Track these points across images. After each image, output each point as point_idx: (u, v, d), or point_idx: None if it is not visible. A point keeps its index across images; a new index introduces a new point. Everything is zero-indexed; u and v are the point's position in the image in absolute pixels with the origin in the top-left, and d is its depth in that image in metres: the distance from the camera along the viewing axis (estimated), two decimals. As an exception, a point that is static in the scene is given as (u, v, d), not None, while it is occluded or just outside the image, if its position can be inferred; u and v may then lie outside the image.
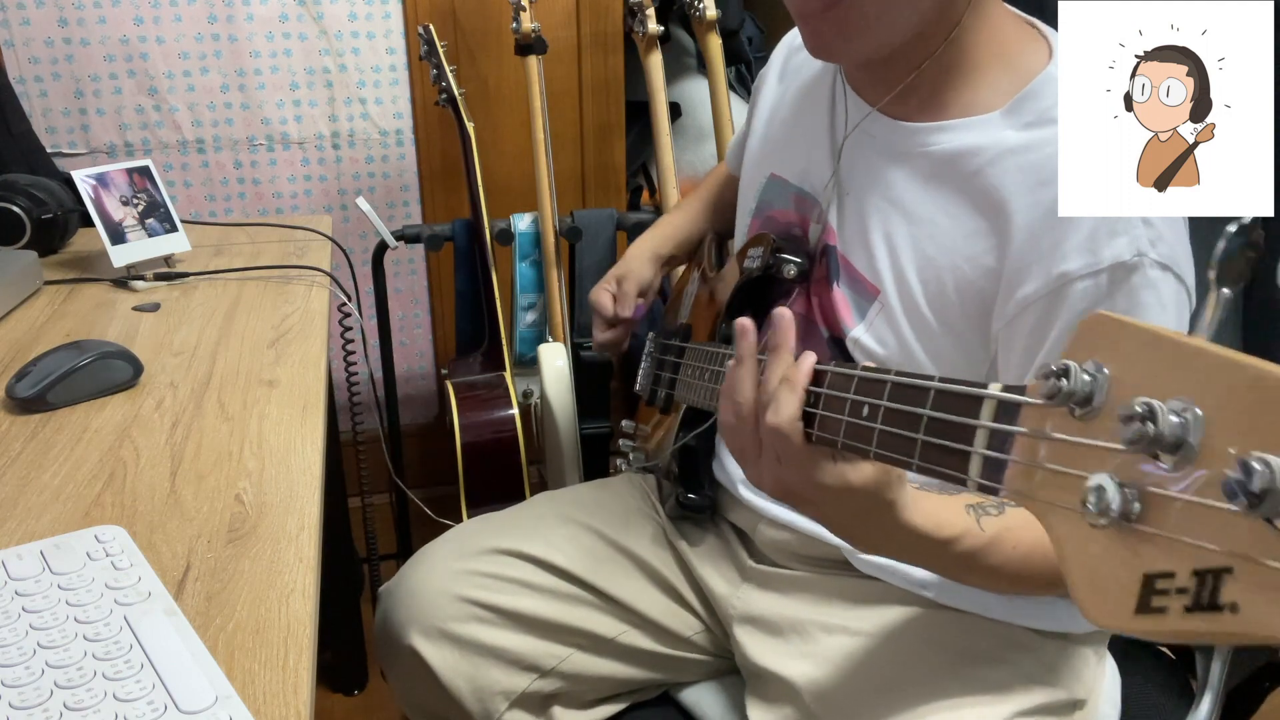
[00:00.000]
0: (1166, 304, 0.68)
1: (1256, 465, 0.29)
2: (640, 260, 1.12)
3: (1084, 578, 0.36)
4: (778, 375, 0.60)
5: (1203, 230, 0.70)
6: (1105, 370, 0.36)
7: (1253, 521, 0.29)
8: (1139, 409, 0.33)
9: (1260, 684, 0.89)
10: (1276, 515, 0.29)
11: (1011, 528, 0.66)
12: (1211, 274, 0.38)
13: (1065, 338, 0.67)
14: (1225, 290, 0.38)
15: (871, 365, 0.56)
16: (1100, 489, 0.35)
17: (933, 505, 0.64)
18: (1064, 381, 0.37)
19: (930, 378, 0.50)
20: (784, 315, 0.61)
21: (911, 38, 0.74)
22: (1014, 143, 0.72)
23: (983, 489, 0.45)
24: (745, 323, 0.64)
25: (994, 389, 0.45)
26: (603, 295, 1.11)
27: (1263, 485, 0.29)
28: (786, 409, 0.59)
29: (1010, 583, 0.68)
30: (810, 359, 0.60)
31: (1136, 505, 0.34)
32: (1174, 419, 0.32)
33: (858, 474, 0.59)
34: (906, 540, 0.63)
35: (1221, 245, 0.38)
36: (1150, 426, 0.32)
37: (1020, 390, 0.43)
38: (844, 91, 0.85)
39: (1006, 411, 0.43)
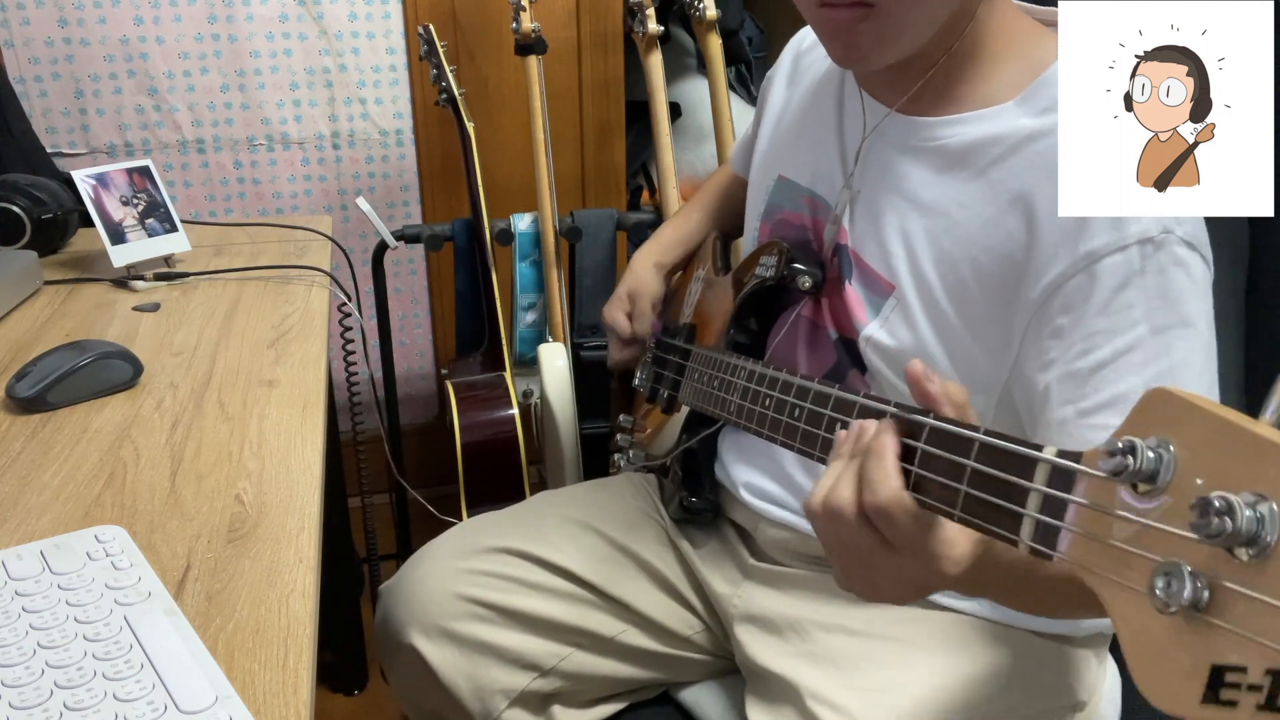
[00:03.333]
0: (1198, 283, 0.67)
1: None
2: (647, 273, 1.11)
3: (1146, 658, 0.36)
4: (847, 452, 0.56)
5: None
6: (1171, 449, 0.35)
7: None
8: (1218, 503, 0.32)
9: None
10: None
11: None
12: None
13: (1100, 319, 0.67)
14: None
15: (909, 406, 0.54)
16: (1170, 576, 0.34)
17: None
18: (1130, 459, 0.36)
19: (975, 429, 0.49)
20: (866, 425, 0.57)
21: (932, 35, 0.74)
22: (1031, 129, 0.72)
23: (1035, 553, 0.44)
24: (843, 434, 0.59)
25: (1049, 453, 0.44)
26: (618, 314, 1.11)
27: None
28: (884, 482, 0.53)
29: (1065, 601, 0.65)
30: (887, 427, 0.55)
31: (1206, 594, 0.33)
32: (1249, 514, 0.31)
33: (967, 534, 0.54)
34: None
35: None
36: (1229, 522, 0.32)
37: (1076, 458, 0.42)
38: (854, 91, 0.85)
39: (1061, 477, 0.42)
